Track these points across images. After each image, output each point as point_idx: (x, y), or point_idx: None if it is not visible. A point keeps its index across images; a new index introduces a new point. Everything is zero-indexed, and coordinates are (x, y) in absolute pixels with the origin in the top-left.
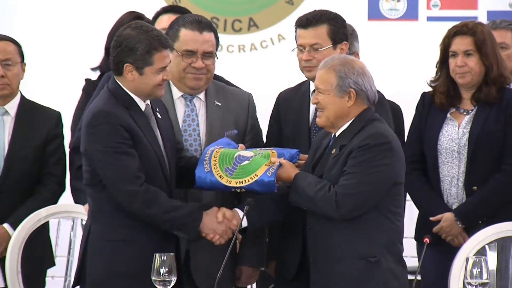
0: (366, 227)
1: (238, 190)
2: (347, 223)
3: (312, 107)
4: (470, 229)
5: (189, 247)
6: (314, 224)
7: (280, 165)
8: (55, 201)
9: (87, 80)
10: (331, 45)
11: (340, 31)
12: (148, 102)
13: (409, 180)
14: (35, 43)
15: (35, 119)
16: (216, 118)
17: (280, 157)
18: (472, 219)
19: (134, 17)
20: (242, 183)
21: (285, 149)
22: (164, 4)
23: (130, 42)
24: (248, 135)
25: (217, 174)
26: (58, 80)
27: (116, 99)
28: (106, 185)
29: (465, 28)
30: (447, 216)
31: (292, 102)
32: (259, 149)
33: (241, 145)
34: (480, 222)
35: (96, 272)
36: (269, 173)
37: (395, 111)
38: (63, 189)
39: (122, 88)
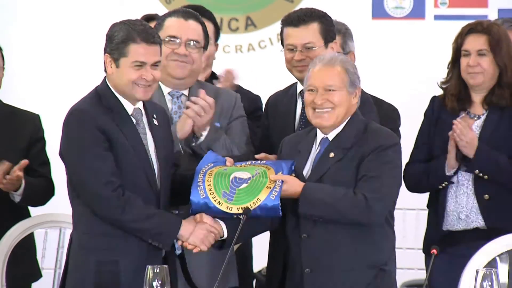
0: (374, 234)
1: (241, 217)
2: (355, 231)
3: (298, 112)
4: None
5: (184, 251)
6: (313, 233)
7: (282, 182)
8: (51, 194)
9: None
10: (323, 44)
11: (330, 29)
12: (139, 106)
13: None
14: (32, 46)
15: (16, 123)
16: None
17: (278, 171)
18: (487, 156)
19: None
20: (250, 209)
21: (278, 162)
22: (159, 5)
23: (111, 31)
24: (230, 125)
25: (215, 200)
26: (57, 82)
27: (99, 99)
28: (76, 188)
29: (479, 27)
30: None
31: (279, 107)
32: (250, 163)
33: (228, 158)
34: (481, 173)
35: (74, 283)
36: (272, 196)
37: (393, 113)
38: (53, 191)
39: (109, 88)
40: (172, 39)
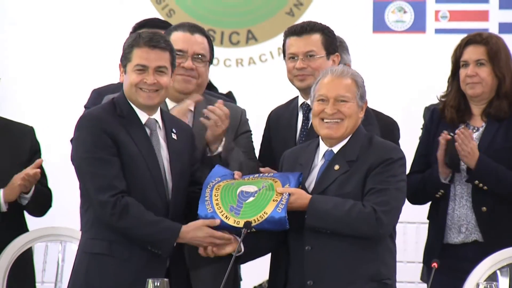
0: (377, 247)
1: (248, 230)
2: (358, 243)
3: (299, 125)
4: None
5: (188, 266)
6: (316, 245)
7: (289, 194)
8: (50, 204)
9: None
10: (325, 55)
11: (333, 42)
12: (155, 117)
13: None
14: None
15: (13, 137)
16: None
17: (285, 184)
18: (487, 166)
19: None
20: (251, 222)
21: (285, 174)
22: (159, 17)
23: (124, 42)
24: (236, 140)
25: (222, 215)
26: (52, 91)
27: (114, 107)
28: (81, 192)
29: (478, 38)
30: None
31: (281, 120)
32: (257, 176)
33: (237, 172)
34: (481, 184)
35: (73, 286)
36: (279, 209)
37: (392, 125)
38: (51, 202)
39: (125, 97)
40: (178, 53)
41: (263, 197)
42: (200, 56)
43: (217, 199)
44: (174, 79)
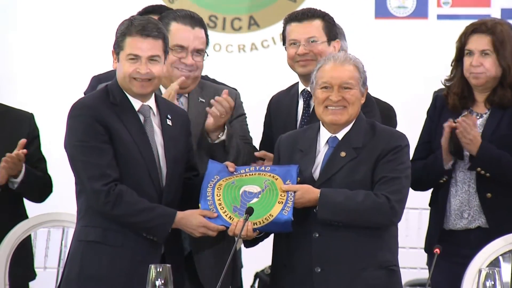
0: (384, 234)
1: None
2: (367, 231)
3: (300, 111)
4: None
5: (191, 248)
6: (324, 232)
7: (294, 192)
8: (50, 189)
9: None
10: (326, 40)
11: (333, 29)
12: (149, 103)
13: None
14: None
15: (11, 122)
16: (198, 114)
17: (286, 180)
18: (489, 153)
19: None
20: (255, 224)
21: (284, 169)
22: (162, 3)
23: (117, 28)
24: (231, 123)
25: (226, 215)
26: (54, 82)
27: (107, 94)
28: (76, 181)
29: (484, 27)
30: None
31: (281, 106)
32: (254, 169)
33: (229, 163)
34: (483, 171)
35: (68, 275)
36: (285, 211)
37: (389, 111)
38: (52, 187)
39: (118, 84)
40: (178, 48)
41: (267, 199)
42: (200, 50)
43: (219, 199)
44: (174, 73)
